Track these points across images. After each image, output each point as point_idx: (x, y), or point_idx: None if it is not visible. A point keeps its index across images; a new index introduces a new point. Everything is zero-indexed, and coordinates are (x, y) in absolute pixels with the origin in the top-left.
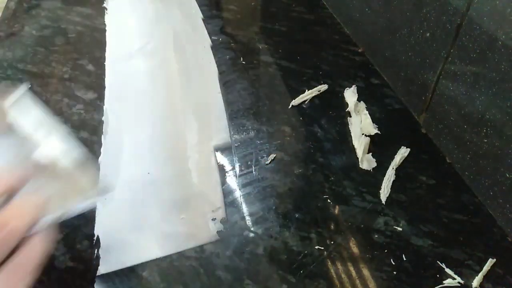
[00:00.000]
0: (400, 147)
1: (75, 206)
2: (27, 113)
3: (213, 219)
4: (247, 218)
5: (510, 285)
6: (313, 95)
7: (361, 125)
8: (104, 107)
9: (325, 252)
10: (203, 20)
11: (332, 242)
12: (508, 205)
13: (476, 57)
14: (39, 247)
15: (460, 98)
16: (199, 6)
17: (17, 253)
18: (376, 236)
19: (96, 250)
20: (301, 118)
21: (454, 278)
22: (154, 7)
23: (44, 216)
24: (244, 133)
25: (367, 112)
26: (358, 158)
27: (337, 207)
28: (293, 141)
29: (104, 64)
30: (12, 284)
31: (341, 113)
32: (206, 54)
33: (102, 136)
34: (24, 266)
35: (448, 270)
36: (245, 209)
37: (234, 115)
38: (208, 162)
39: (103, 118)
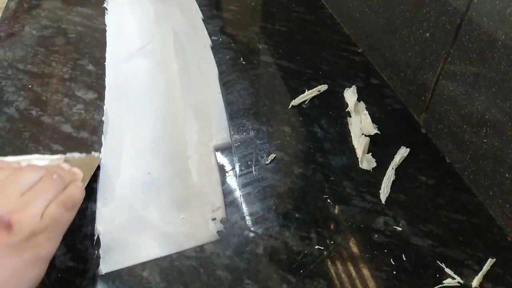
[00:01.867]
0: (400, 147)
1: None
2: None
3: (213, 219)
4: (247, 218)
5: (510, 285)
6: (313, 95)
7: (361, 125)
8: (104, 107)
9: (325, 252)
10: (203, 20)
11: (332, 242)
12: (508, 205)
13: (476, 57)
14: (78, 190)
15: (459, 98)
16: (199, 6)
17: (67, 188)
18: (376, 236)
19: (96, 250)
20: (301, 118)
21: (454, 278)
22: (154, 7)
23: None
24: (244, 133)
25: (367, 112)
26: (358, 158)
27: (337, 207)
28: (293, 141)
29: (104, 64)
30: (63, 209)
31: (341, 113)
32: (206, 54)
33: (102, 136)
34: (70, 199)
35: (448, 270)
36: (245, 209)
37: (234, 115)
38: (208, 162)
39: (103, 118)
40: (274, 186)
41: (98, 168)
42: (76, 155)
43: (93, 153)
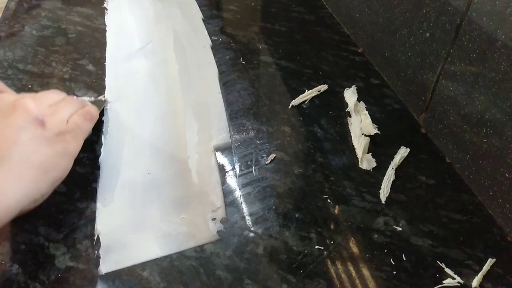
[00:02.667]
0: (400, 147)
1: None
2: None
3: (213, 219)
4: (247, 218)
5: (510, 285)
6: (313, 95)
7: (361, 125)
8: (104, 107)
9: (325, 252)
10: (203, 20)
11: (332, 242)
12: (508, 205)
13: (476, 57)
14: (94, 108)
15: (460, 98)
16: (199, 6)
17: (85, 107)
18: (376, 236)
19: (96, 250)
20: (301, 118)
21: (453, 278)
22: (154, 7)
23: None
24: (244, 133)
25: (367, 112)
26: (358, 158)
27: (337, 207)
28: (293, 141)
29: (104, 64)
30: (83, 119)
31: (341, 113)
32: (206, 54)
33: (102, 136)
34: (89, 112)
35: (447, 270)
36: (245, 209)
37: (234, 115)
38: (208, 162)
39: (103, 118)
40: (274, 186)
41: (103, 110)
42: (86, 98)
43: (99, 97)
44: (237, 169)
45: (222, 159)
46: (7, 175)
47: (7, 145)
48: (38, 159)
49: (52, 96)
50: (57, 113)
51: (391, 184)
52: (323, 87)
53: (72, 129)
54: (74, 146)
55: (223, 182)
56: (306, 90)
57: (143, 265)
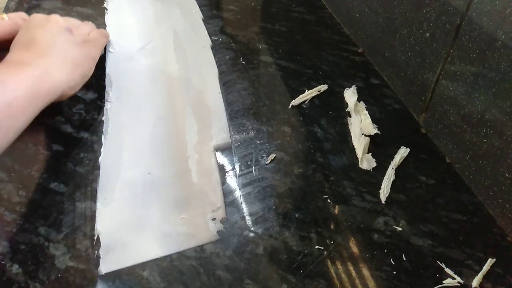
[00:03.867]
0: (400, 147)
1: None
2: None
3: (213, 219)
4: (247, 218)
5: (510, 285)
6: (313, 95)
7: (361, 125)
8: (104, 107)
9: (325, 252)
10: (203, 20)
11: (332, 242)
12: (508, 205)
13: (476, 57)
14: (106, 31)
15: (459, 98)
16: (199, 6)
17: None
18: (376, 236)
19: (96, 250)
20: (301, 118)
21: (454, 278)
22: (154, 8)
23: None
24: (244, 133)
25: (367, 112)
26: (358, 158)
27: (337, 207)
28: (293, 141)
29: (105, 64)
30: (100, 35)
31: (341, 113)
32: (206, 54)
33: (102, 136)
34: (103, 31)
35: (447, 270)
36: (245, 209)
37: (234, 115)
38: (208, 162)
39: (103, 118)
40: (274, 186)
41: (106, 47)
42: None
43: None
44: (237, 169)
45: (222, 159)
46: (51, 64)
47: (47, 44)
48: (71, 56)
49: (74, 20)
50: (80, 28)
51: (391, 184)
52: (323, 87)
53: (93, 40)
54: (95, 52)
55: (223, 182)
56: (306, 90)
57: (143, 265)
